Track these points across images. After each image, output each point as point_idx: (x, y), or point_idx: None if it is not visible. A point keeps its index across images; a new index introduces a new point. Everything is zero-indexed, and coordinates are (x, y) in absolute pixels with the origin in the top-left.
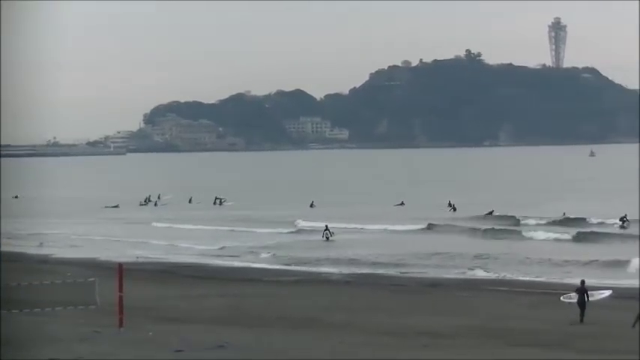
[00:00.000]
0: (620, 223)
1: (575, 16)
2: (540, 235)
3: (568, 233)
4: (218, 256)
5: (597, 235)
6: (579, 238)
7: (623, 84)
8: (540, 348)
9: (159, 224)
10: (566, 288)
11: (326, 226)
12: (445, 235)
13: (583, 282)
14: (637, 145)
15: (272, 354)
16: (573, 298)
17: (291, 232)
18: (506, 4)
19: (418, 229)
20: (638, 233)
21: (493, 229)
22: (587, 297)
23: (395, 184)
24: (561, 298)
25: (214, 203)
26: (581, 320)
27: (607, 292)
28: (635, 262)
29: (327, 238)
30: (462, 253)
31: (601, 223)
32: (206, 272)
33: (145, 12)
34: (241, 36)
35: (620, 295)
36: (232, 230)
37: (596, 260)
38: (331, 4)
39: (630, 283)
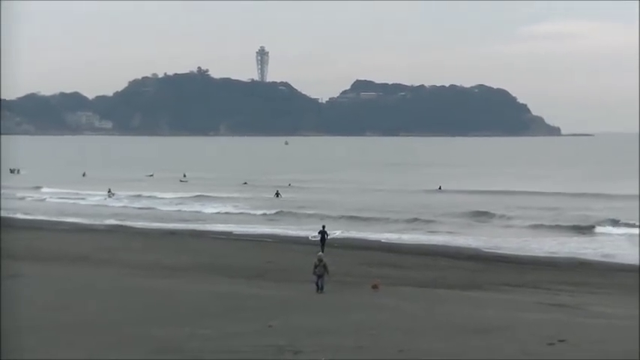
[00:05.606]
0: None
1: (277, 44)
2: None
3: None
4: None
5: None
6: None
7: (308, 94)
8: (246, 279)
9: None
10: (259, 237)
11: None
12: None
13: (324, 226)
14: (321, 137)
15: (58, 279)
16: (317, 237)
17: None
18: (229, 33)
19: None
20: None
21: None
22: (326, 236)
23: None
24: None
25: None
26: (322, 251)
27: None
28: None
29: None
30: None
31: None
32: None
33: None
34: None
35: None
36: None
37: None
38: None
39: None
